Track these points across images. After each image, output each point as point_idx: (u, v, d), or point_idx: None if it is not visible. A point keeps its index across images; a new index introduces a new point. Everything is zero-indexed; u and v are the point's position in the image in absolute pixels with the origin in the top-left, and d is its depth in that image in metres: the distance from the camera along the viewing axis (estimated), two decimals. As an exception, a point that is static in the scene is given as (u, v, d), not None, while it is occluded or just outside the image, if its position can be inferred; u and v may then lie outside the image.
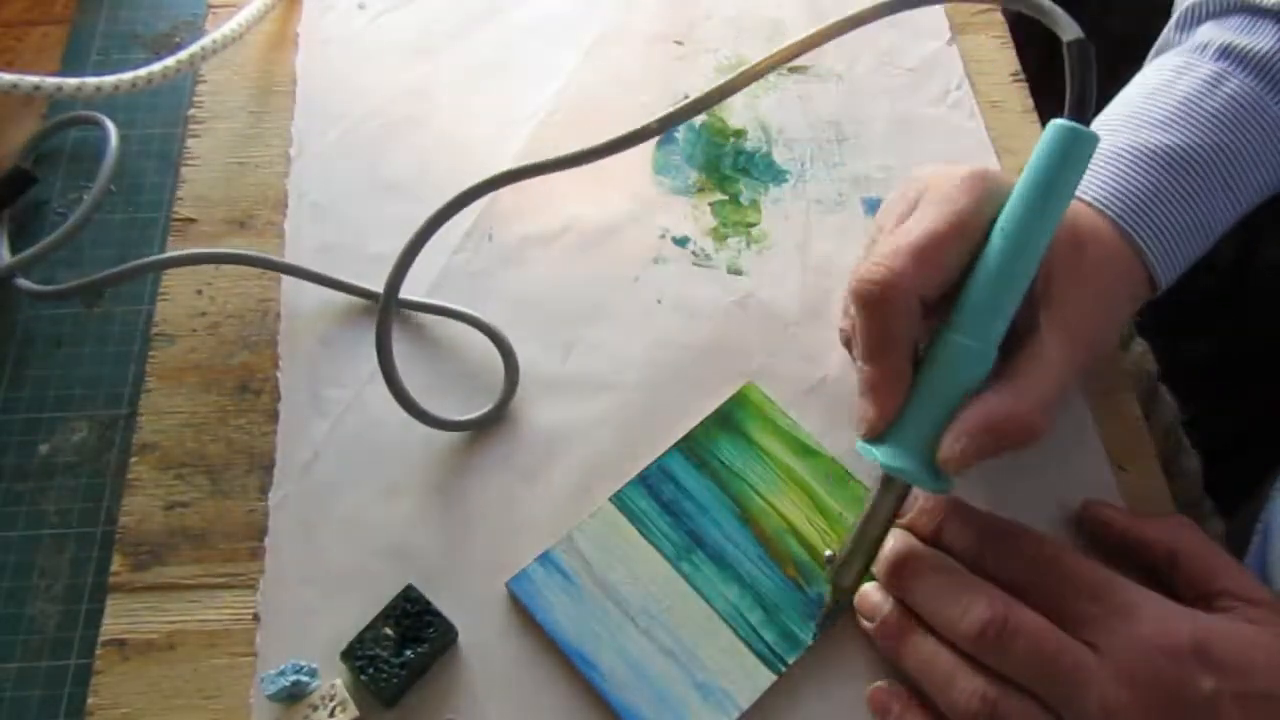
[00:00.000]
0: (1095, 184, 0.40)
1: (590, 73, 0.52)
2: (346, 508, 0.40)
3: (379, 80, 0.52)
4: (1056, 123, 0.35)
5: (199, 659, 0.38)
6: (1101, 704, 0.31)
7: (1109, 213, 0.39)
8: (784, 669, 0.37)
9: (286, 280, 0.46)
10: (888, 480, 0.36)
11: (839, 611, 0.37)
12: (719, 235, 0.47)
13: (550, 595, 0.38)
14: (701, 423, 0.42)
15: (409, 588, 0.38)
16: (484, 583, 0.39)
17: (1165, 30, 0.46)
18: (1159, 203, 0.39)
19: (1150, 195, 0.39)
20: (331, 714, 0.36)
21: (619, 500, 0.40)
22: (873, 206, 0.47)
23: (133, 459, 0.42)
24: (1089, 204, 0.40)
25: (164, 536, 0.40)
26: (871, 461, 0.35)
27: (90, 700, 0.37)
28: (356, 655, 0.36)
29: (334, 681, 0.36)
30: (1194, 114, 0.40)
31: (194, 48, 0.47)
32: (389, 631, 0.37)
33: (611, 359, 0.44)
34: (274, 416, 0.43)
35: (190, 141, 0.50)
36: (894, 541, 0.37)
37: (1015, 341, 0.36)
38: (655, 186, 0.49)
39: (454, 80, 0.52)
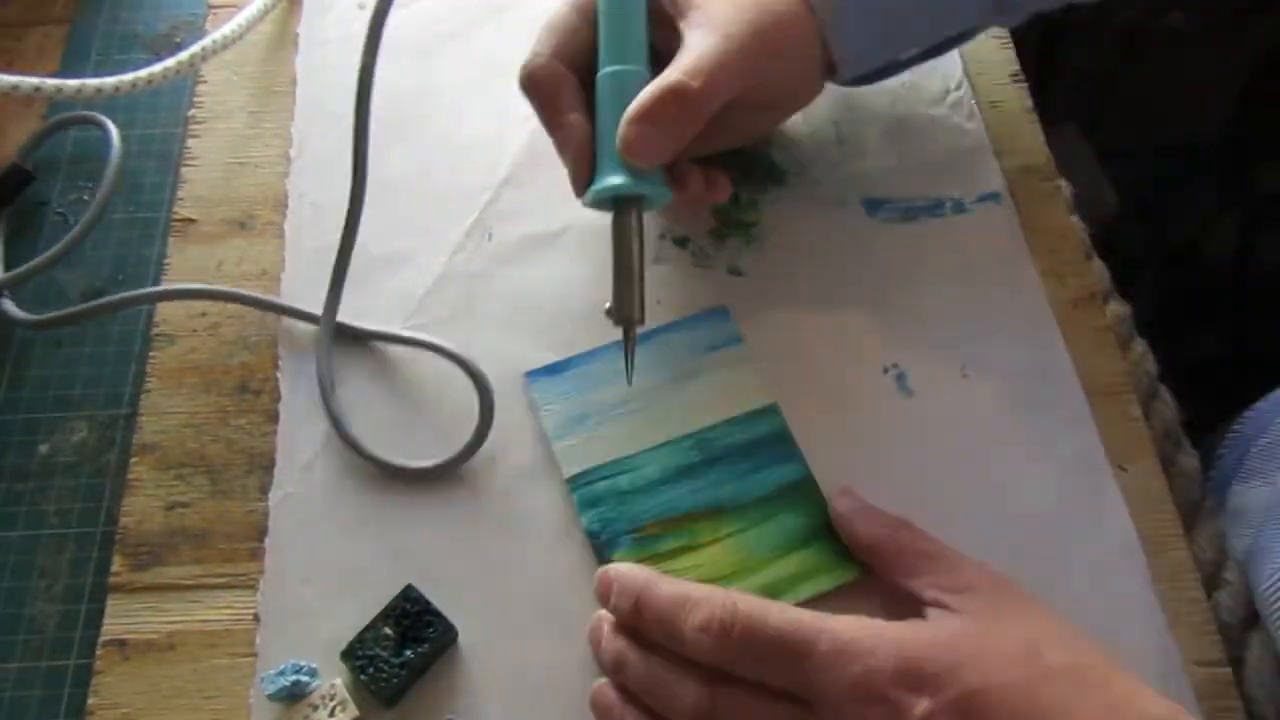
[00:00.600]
0: None
1: None
2: (346, 508, 0.40)
3: (379, 80, 0.51)
4: None
5: (199, 659, 0.38)
6: None
7: None
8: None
9: (287, 280, 0.46)
10: (616, 212, 0.39)
11: (634, 347, 0.40)
12: (719, 235, 0.47)
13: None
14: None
15: (409, 587, 0.38)
16: (484, 582, 0.39)
17: None
18: None
19: None
20: (331, 714, 0.36)
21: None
22: (873, 207, 0.47)
23: (133, 459, 0.42)
24: None
25: (164, 537, 0.40)
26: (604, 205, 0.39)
27: (90, 700, 0.37)
28: (356, 655, 0.36)
29: (334, 681, 0.36)
30: None
31: (194, 48, 0.47)
32: (389, 631, 0.37)
33: (611, 359, 0.44)
34: (274, 416, 0.43)
35: (190, 142, 0.50)
36: (608, 639, 0.36)
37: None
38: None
39: (454, 80, 0.52)
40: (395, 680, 0.36)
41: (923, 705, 0.30)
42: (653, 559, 0.38)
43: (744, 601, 0.33)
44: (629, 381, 0.40)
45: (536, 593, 0.39)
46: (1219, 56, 0.77)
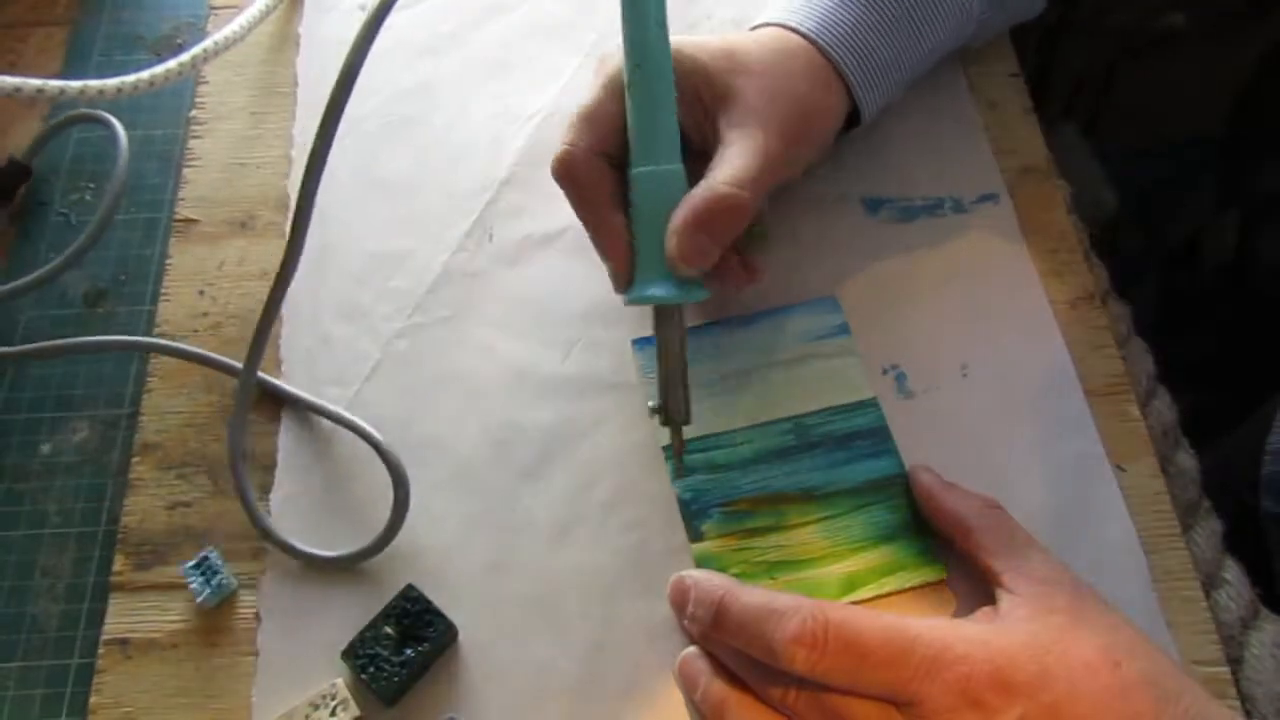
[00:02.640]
0: (806, 17, 0.42)
1: (590, 73, 0.52)
2: (346, 507, 0.41)
3: (379, 80, 0.52)
4: None
5: (200, 658, 0.38)
6: None
7: (814, 37, 0.42)
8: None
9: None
10: (658, 313, 0.38)
11: (682, 445, 0.39)
12: (719, 235, 0.47)
13: None
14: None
15: (409, 587, 0.38)
16: (484, 582, 0.39)
17: None
18: (858, 33, 0.42)
19: (851, 26, 0.42)
20: (333, 713, 0.36)
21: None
22: (873, 206, 0.47)
23: (134, 458, 0.42)
24: (787, 27, 0.42)
25: (166, 536, 0.40)
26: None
27: (92, 699, 0.37)
28: (357, 654, 0.36)
29: (335, 680, 0.37)
30: None
31: (196, 49, 0.47)
32: (389, 630, 0.37)
33: (611, 359, 0.44)
34: (275, 416, 0.43)
35: (192, 142, 0.50)
36: (689, 665, 0.36)
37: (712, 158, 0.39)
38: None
39: (454, 80, 0.52)
40: (396, 679, 0.36)
41: (1015, 712, 0.31)
42: (740, 534, 0.39)
43: (832, 610, 0.33)
44: (674, 477, 0.40)
45: (536, 592, 0.39)
46: (1218, 56, 0.77)
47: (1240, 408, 0.50)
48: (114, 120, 0.49)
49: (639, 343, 0.43)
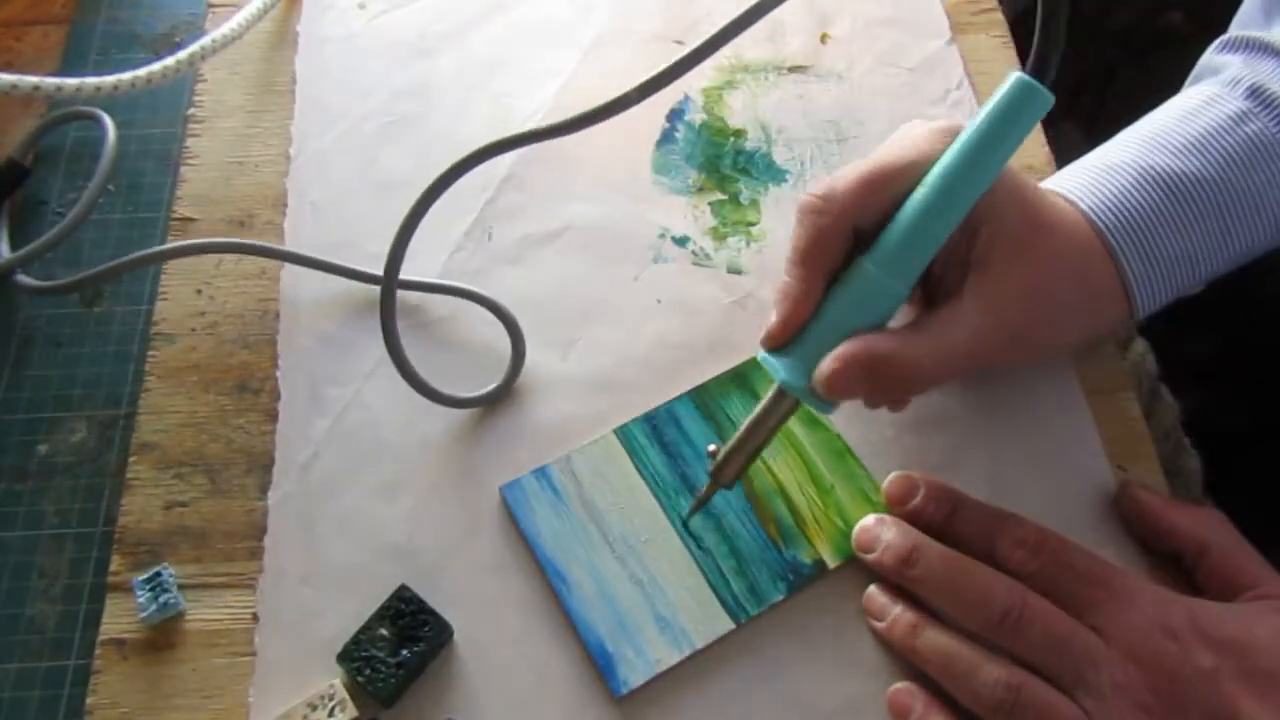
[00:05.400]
0: (1090, 192, 0.40)
1: (590, 73, 0.52)
2: (345, 507, 0.40)
3: (379, 80, 0.52)
4: (1015, 74, 0.35)
5: (198, 659, 0.38)
6: (1112, 682, 0.33)
7: (1097, 221, 0.39)
8: (744, 619, 0.37)
9: (285, 278, 0.46)
10: (780, 393, 0.37)
11: (707, 500, 0.39)
12: (719, 235, 0.47)
13: (537, 506, 0.39)
14: (716, 377, 0.42)
15: (402, 587, 0.38)
16: (482, 581, 0.39)
17: (1208, 51, 0.45)
18: (1150, 223, 0.39)
19: (1143, 215, 0.39)
20: (331, 713, 0.36)
21: (621, 432, 0.41)
22: (873, 206, 0.47)
23: (132, 458, 0.42)
24: (1079, 209, 0.39)
25: (163, 536, 0.40)
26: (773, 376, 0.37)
27: (89, 700, 0.37)
28: (353, 656, 0.36)
29: (333, 682, 0.36)
30: (1209, 146, 0.39)
31: (194, 47, 0.47)
32: (385, 632, 0.37)
33: (611, 358, 0.44)
34: (273, 416, 0.42)
35: (190, 141, 0.50)
36: (897, 534, 0.37)
37: (938, 301, 0.37)
38: (655, 186, 0.49)
39: (454, 80, 0.52)
40: (392, 680, 0.36)
41: (1210, 660, 0.33)
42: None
43: (1053, 533, 0.36)
44: (686, 519, 0.39)
45: (535, 592, 0.39)
46: (1219, 57, 0.77)
47: (1242, 408, 0.50)
48: (103, 114, 0.49)
49: (507, 488, 0.40)
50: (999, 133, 0.35)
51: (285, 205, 0.48)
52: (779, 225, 0.47)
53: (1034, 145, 0.49)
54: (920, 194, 0.35)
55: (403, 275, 0.42)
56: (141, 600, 0.38)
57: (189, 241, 0.46)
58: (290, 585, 0.39)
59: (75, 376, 0.45)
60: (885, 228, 0.36)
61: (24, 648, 0.39)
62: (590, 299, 0.45)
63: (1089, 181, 0.40)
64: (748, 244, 0.47)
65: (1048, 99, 0.34)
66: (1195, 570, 0.37)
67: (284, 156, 0.49)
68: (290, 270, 0.46)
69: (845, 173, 0.37)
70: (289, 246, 0.46)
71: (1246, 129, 0.40)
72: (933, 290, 0.39)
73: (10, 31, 0.55)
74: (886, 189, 0.36)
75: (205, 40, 0.48)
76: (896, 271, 0.35)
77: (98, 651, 0.38)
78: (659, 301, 0.45)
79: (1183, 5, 0.72)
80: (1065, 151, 0.51)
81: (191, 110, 0.51)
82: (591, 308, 0.45)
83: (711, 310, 0.45)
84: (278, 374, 0.43)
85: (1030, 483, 0.41)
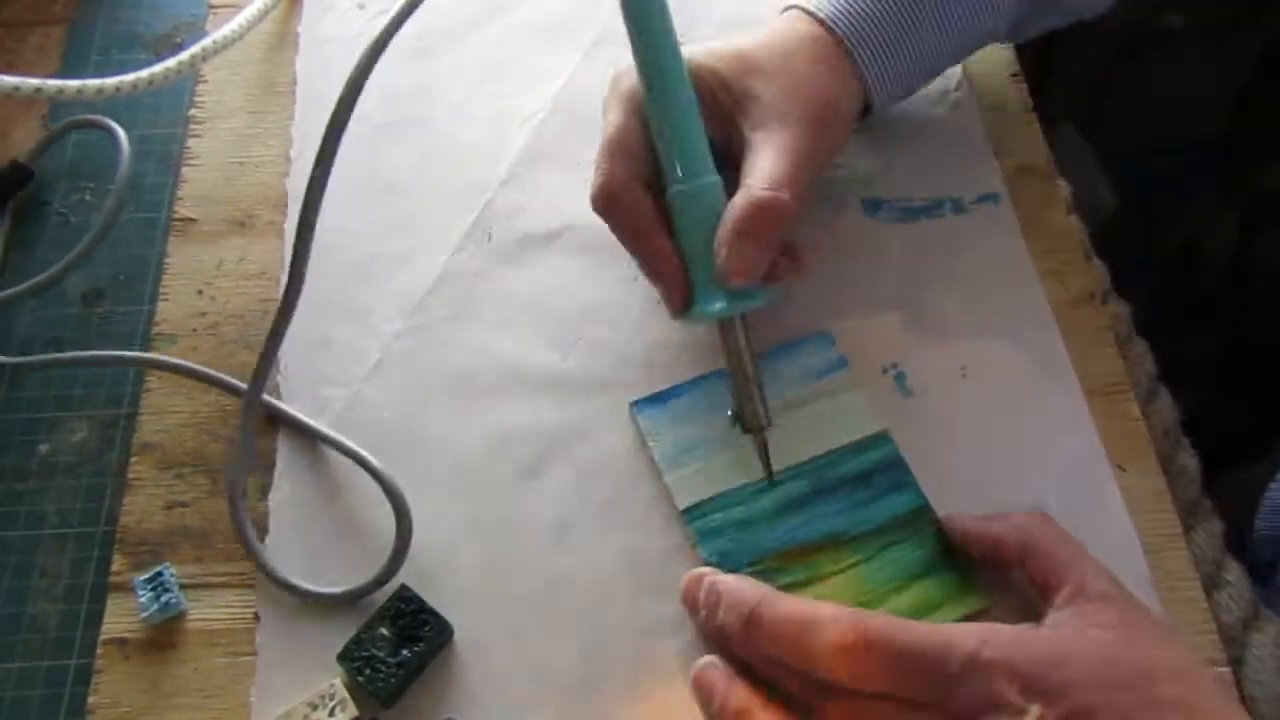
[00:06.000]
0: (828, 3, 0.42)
1: (590, 73, 0.52)
2: (346, 507, 0.40)
3: (379, 80, 0.51)
4: None
5: (199, 658, 0.38)
6: None
7: (815, 10, 0.41)
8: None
9: (285, 279, 0.46)
10: (722, 328, 0.39)
11: (766, 452, 0.39)
12: (719, 235, 0.47)
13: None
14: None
15: (403, 587, 0.38)
16: (482, 581, 0.39)
17: None
18: (878, 22, 0.41)
19: (873, 16, 0.41)
20: (331, 713, 0.36)
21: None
22: (873, 207, 0.47)
23: (133, 458, 0.42)
24: (802, 9, 0.42)
25: (164, 536, 0.40)
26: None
27: (91, 699, 0.37)
28: (353, 656, 0.36)
29: (333, 681, 0.37)
30: None
31: (195, 48, 0.47)
32: (385, 632, 0.37)
33: (611, 359, 0.44)
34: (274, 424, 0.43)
35: (191, 141, 0.50)
36: (724, 697, 0.35)
37: (746, 148, 0.39)
38: (655, 186, 0.49)
39: (454, 80, 0.52)
40: (393, 680, 0.36)
41: (1034, 713, 0.30)
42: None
43: (871, 619, 0.33)
44: (769, 481, 0.39)
45: (535, 592, 0.39)
46: (1217, 57, 0.77)
47: (1242, 407, 0.50)
48: (116, 126, 0.49)
49: (639, 405, 0.42)
50: (662, 31, 0.38)
51: (286, 206, 0.48)
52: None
53: (1034, 145, 0.49)
54: (651, 108, 0.38)
55: (299, 412, 0.42)
56: (143, 600, 0.38)
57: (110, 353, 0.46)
58: (291, 585, 0.39)
59: (76, 376, 0.45)
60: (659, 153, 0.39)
61: (26, 647, 0.39)
62: (590, 299, 0.45)
63: None
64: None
65: None
66: (1023, 576, 0.36)
67: (285, 157, 0.50)
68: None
69: (598, 158, 0.39)
70: (289, 247, 0.46)
71: None
72: (738, 146, 0.40)
73: (11, 32, 0.55)
74: (630, 142, 0.39)
75: (206, 41, 0.48)
76: (694, 171, 0.38)
77: (99, 651, 0.38)
78: (659, 302, 0.45)
79: (1182, 6, 0.73)
80: (1065, 151, 0.51)
81: (192, 111, 0.51)
82: (591, 308, 0.45)
83: (711, 310, 0.45)
84: (278, 374, 0.44)
85: (1030, 483, 0.41)
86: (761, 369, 0.39)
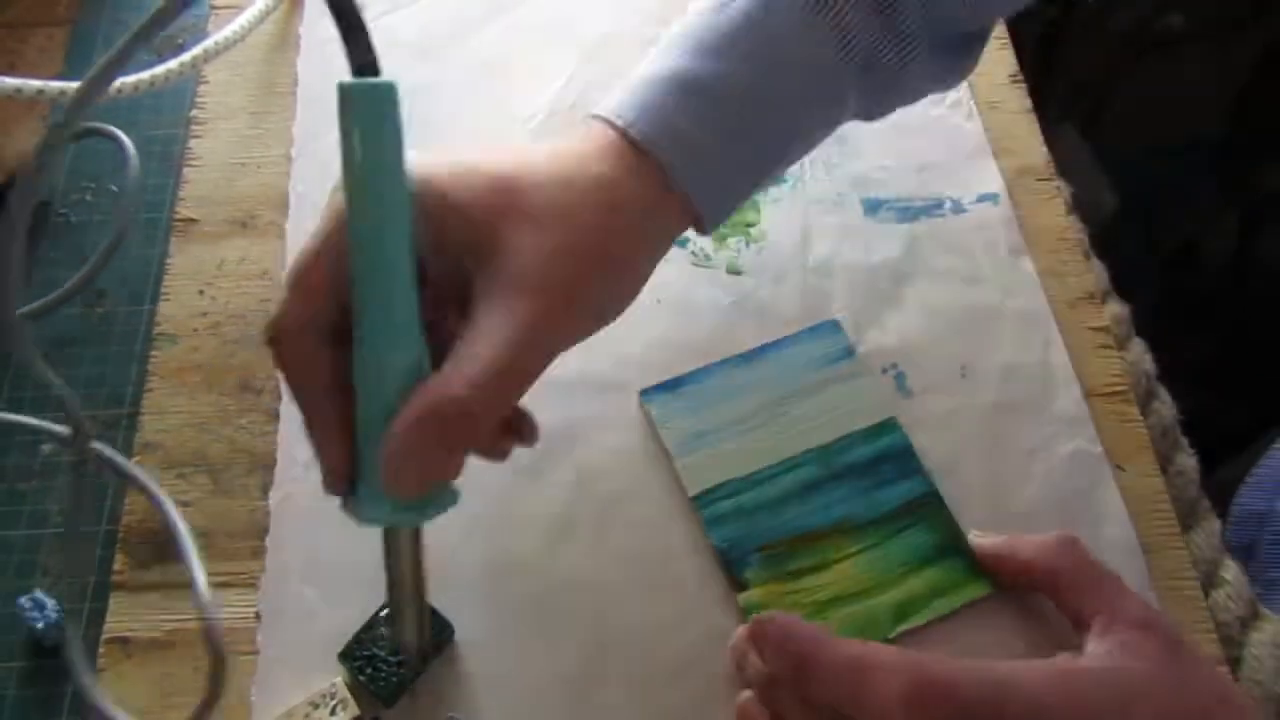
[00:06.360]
0: (629, 108, 0.33)
1: (590, 73, 0.52)
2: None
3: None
4: (339, 84, 0.29)
5: (201, 657, 0.38)
6: None
7: (638, 137, 0.33)
8: None
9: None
10: (385, 534, 0.31)
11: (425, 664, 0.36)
12: (718, 235, 0.47)
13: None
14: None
15: (407, 586, 0.38)
16: (482, 581, 0.39)
17: None
18: (687, 127, 0.33)
19: (684, 125, 0.33)
20: (333, 712, 0.36)
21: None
22: (872, 207, 0.48)
23: (135, 458, 0.42)
24: (617, 126, 0.33)
25: (166, 535, 0.40)
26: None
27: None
28: (355, 655, 0.36)
29: (334, 680, 0.37)
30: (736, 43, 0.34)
31: (197, 49, 0.47)
32: (386, 631, 0.37)
33: (611, 359, 0.44)
34: (275, 416, 0.43)
35: (192, 142, 0.50)
36: None
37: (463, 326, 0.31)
38: (655, 187, 0.49)
39: (454, 81, 0.52)
40: (394, 679, 0.36)
41: None
42: (785, 577, 0.38)
43: (931, 666, 0.31)
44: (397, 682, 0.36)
45: (536, 592, 0.39)
46: (1217, 57, 0.77)
47: (1239, 407, 0.50)
48: (123, 135, 0.49)
49: (648, 393, 0.42)
50: (373, 150, 0.29)
51: (287, 206, 0.48)
52: (779, 226, 0.47)
53: (1034, 146, 0.49)
54: (352, 247, 0.29)
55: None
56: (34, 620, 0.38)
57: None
58: (292, 584, 0.39)
59: (78, 376, 0.45)
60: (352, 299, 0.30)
61: (27, 646, 0.39)
62: (590, 299, 0.45)
63: (626, 99, 0.34)
64: (747, 245, 0.47)
65: (389, 86, 0.29)
66: (1055, 601, 0.36)
67: (286, 157, 0.50)
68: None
69: (289, 286, 0.31)
70: (290, 247, 0.47)
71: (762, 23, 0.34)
72: (464, 292, 0.32)
73: (13, 34, 0.55)
74: (315, 280, 0.30)
75: (208, 42, 0.48)
76: (387, 340, 0.29)
77: (101, 650, 0.38)
78: (659, 302, 0.45)
79: (1182, 7, 0.73)
80: (1065, 151, 0.51)
81: (194, 112, 0.51)
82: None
83: (711, 311, 0.45)
84: (279, 374, 0.44)
85: (1029, 483, 0.41)
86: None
